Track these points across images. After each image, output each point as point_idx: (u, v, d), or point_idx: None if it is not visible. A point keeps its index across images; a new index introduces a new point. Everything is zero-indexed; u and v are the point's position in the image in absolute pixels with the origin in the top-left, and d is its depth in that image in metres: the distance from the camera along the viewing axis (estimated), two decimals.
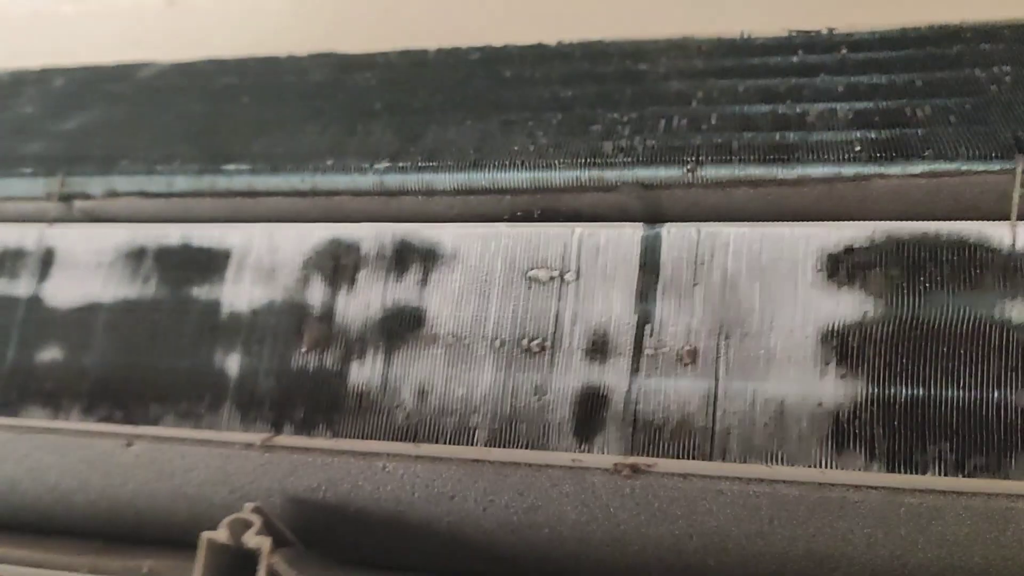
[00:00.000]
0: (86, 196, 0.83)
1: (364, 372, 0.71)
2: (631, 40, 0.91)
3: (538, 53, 0.92)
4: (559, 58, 0.91)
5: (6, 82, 1.08)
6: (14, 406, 0.78)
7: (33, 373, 0.79)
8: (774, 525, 0.59)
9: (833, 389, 0.62)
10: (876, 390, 0.62)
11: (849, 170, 0.67)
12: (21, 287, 0.82)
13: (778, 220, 0.68)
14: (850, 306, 0.64)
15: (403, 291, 0.73)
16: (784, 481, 0.58)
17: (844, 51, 0.82)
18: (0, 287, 0.82)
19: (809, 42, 0.85)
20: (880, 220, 0.66)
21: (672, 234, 0.69)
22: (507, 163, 0.73)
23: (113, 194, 0.82)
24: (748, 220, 0.69)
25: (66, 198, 0.84)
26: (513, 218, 0.74)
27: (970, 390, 0.60)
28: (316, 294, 0.74)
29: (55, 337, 0.79)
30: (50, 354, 0.79)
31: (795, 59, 0.83)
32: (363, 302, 0.73)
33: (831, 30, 0.86)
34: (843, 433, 0.62)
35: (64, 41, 1.22)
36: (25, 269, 0.82)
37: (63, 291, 0.81)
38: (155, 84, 1.00)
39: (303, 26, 1.16)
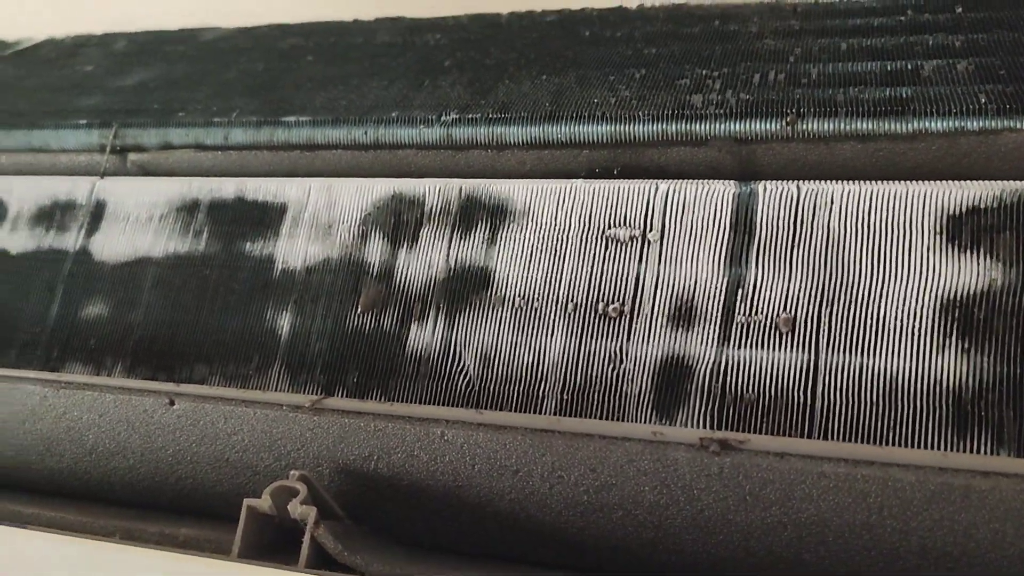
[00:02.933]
0: (140, 148, 0.79)
1: (424, 335, 0.65)
2: (717, 3, 0.85)
3: (618, 15, 0.87)
4: (641, 19, 0.85)
5: (68, 45, 1.05)
6: (55, 363, 0.74)
7: (77, 329, 0.75)
8: (883, 516, 0.52)
9: (954, 366, 0.55)
10: (1006, 368, 0.54)
11: (974, 123, 0.59)
12: (70, 240, 0.78)
13: (890, 179, 0.61)
14: (974, 273, 0.56)
15: (469, 250, 0.67)
16: (899, 464, 0.51)
17: (959, 10, 0.75)
18: (48, 239, 0.79)
19: (917, 3, 0.78)
20: (1009, 180, 0.58)
21: (769, 191, 0.62)
22: (586, 115, 0.67)
23: (168, 146, 0.78)
24: (854, 179, 0.62)
25: (119, 150, 0.80)
26: (590, 175, 0.68)
27: None
28: (375, 252, 0.69)
29: (101, 292, 0.75)
30: (95, 310, 0.75)
31: (903, 18, 0.76)
32: (425, 261, 0.68)
33: None
34: (966, 415, 0.54)
35: (125, 16, 1.20)
36: (75, 222, 0.78)
37: (112, 245, 0.77)
38: (218, 46, 0.96)
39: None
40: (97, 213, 0.78)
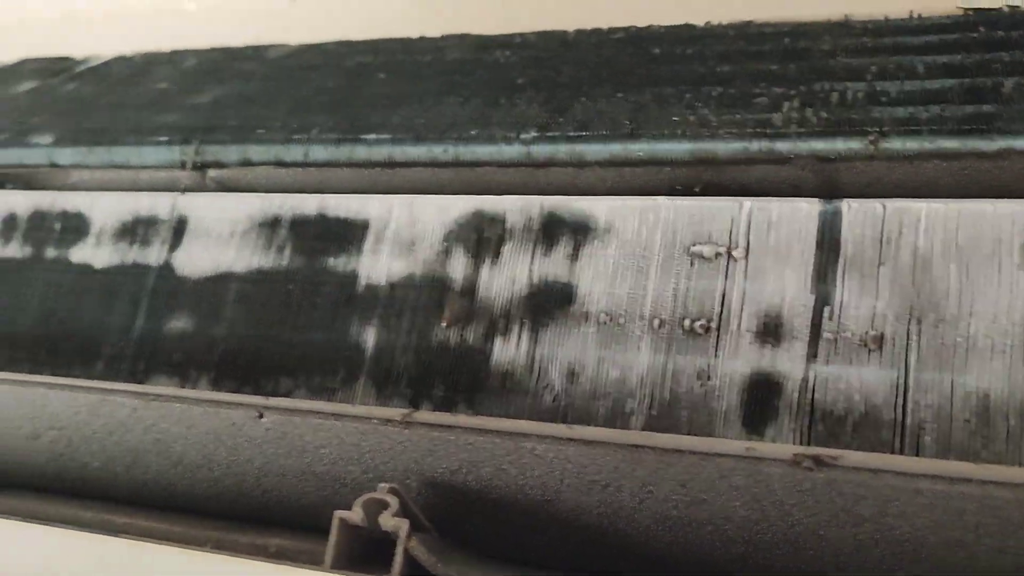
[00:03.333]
0: (220, 165, 0.81)
1: (509, 350, 0.66)
2: (786, 20, 0.86)
3: (686, 33, 0.87)
4: (710, 37, 0.85)
5: (138, 63, 1.08)
6: (141, 375, 0.75)
7: (161, 343, 0.76)
8: (979, 534, 0.52)
9: None
10: None
11: None
12: (152, 255, 0.80)
13: (975, 198, 0.61)
14: None
15: (551, 266, 0.68)
16: (996, 482, 0.51)
17: None
18: (131, 255, 0.81)
19: (989, 19, 0.78)
20: None
21: (854, 209, 0.62)
22: (667, 133, 0.68)
23: (248, 163, 0.80)
24: (939, 197, 0.62)
25: (200, 167, 0.82)
26: (672, 192, 0.68)
27: None
28: (458, 268, 0.70)
29: (185, 307, 0.77)
30: (179, 324, 0.76)
31: (976, 35, 0.76)
32: (508, 277, 0.69)
33: (1013, 7, 0.79)
34: None
35: (187, 36, 1.23)
36: (157, 237, 0.80)
37: (194, 260, 0.78)
38: (286, 63, 0.98)
39: (425, 19, 1.14)
40: (179, 228, 0.80)
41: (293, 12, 1.24)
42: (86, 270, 0.82)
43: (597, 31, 0.91)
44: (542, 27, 0.94)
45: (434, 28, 1.00)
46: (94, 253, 0.82)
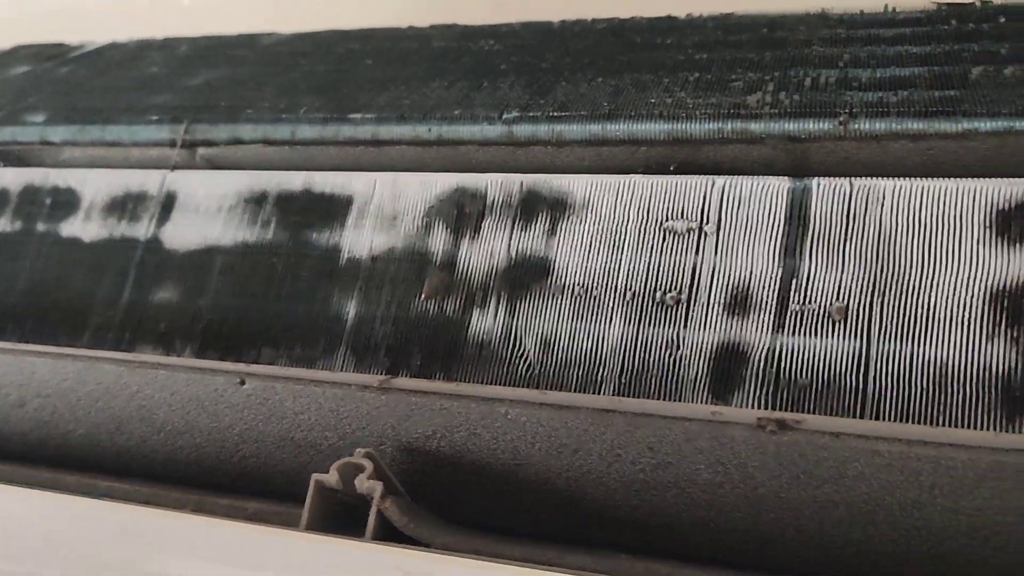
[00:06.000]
0: (209, 143, 0.83)
1: (486, 321, 0.68)
2: (765, 13, 0.88)
3: (668, 24, 0.90)
4: (690, 28, 0.88)
5: (131, 49, 1.09)
6: (127, 345, 0.77)
7: (147, 314, 0.78)
8: (935, 494, 0.54)
9: (1004, 354, 0.57)
10: None
11: (1023, 124, 0.62)
12: (141, 230, 0.81)
13: (939, 176, 0.63)
14: (1023, 265, 0.58)
15: (529, 241, 0.70)
16: (952, 444, 0.53)
17: (1002, 19, 0.77)
18: (120, 229, 0.82)
19: (961, 13, 0.81)
20: None
21: (822, 187, 0.64)
22: (643, 114, 0.70)
23: (236, 141, 0.82)
24: (905, 176, 0.64)
25: (189, 145, 0.83)
26: (648, 171, 0.70)
27: None
28: (438, 242, 0.72)
29: (171, 279, 0.78)
30: (165, 295, 0.78)
31: (947, 28, 0.78)
32: (487, 251, 0.70)
33: (984, 1, 0.81)
34: (1016, 402, 0.56)
35: (182, 31, 1.24)
36: (146, 212, 0.82)
37: (182, 234, 0.80)
38: (277, 49, 1.00)
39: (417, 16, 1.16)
40: (167, 204, 0.81)
41: (287, 8, 1.26)
42: (75, 244, 0.83)
43: (581, 22, 0.93)
44: (529, 18, 0.96)
45: (427, 19, 1.02)
46: (83, 227, 0.83)
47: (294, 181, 0.78)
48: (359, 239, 0.74)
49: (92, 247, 0.82)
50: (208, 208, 0.80)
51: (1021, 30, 0.75)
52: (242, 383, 0.68)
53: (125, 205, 0.83)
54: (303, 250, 0.75)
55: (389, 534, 0.60)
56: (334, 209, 0.76)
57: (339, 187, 0.77)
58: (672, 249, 0.66)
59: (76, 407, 0.73)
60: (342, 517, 0.63)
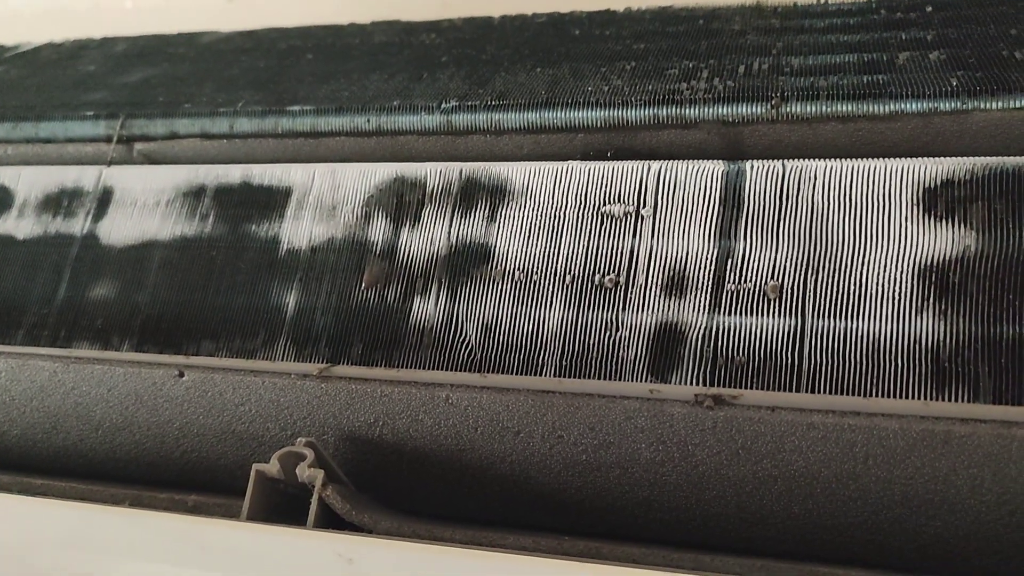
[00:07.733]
0: (147, 138, 0.82)
1: (427, 308, 0.68)
2: (701, 5, 0.89)
3: (606, 16, 0.90)
4: (628, 20, 0.89)
5: (68, 48, 1.08)
6: (62, 342, 0.75)
7: (84, 310, 0.76)
8: (869, 465, 0.55)
9: (932, 326, 0.58)
10: (981, 328, 0.57)
11: (947, 104, 0.63)
12: (76, 226, 0.80)
13: (868, 156, 0.64)
14: (949, 240, 0.60)
15: (469, 228, 0.70)
16: (883, 414, 0.54)
17: (929, 9, 0.79)
18: (55, 226, 0.81)
19: (890, 3, 0.83)
20: (980, 156, 0.62)
21: (756, 169, 0.65)
22: (581, 101, 0.71)
23: (174, 136, 0.81)
24: (835, 157, 0.65)
25: (126, 140, 0.82)
26: (585, 158, 0.71)
27: None
28: (378, 231, 0.72)
29: (108, 275, 0.77)
30: (102, 292, 0.77)
31: (876, 17, 0.80)
32: (427, 238, 0.70)
33: None
34: (944, 372, 0.57)
35: (123, 32, 1.23)
36: (82, 208, 0.80)
37: (119, 229, 0.79)
38: (218, 47, 0.99)
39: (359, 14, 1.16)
40: (104, 199, 0.80)
41: (230, 10, 1.25)
42: (9, 241, 0.81)
43: (522, 16, 0.94)
44: (470, 14, 0.97)
45: (370, 16, 1.02)
46: (16, 224, 0.82)
47: (232, 174, 0.78)
48: (298, 230, 0.74)
49: (26, 244, 0.81)
50: (146, 203, 0.79)
51: (946, 18, 0.77)
52: (181, 375, 0.67)
53: (60, 202, 0.81)
54: (242, 242, 0.74)
55: (332, 522, 0.60)
56: (273, 201, 0.75)
57: (278, 179, 0.76)
58: (610, 233, 0.66)
59: (10, 407, 0.72)
60: (284, 507, 0.63)
